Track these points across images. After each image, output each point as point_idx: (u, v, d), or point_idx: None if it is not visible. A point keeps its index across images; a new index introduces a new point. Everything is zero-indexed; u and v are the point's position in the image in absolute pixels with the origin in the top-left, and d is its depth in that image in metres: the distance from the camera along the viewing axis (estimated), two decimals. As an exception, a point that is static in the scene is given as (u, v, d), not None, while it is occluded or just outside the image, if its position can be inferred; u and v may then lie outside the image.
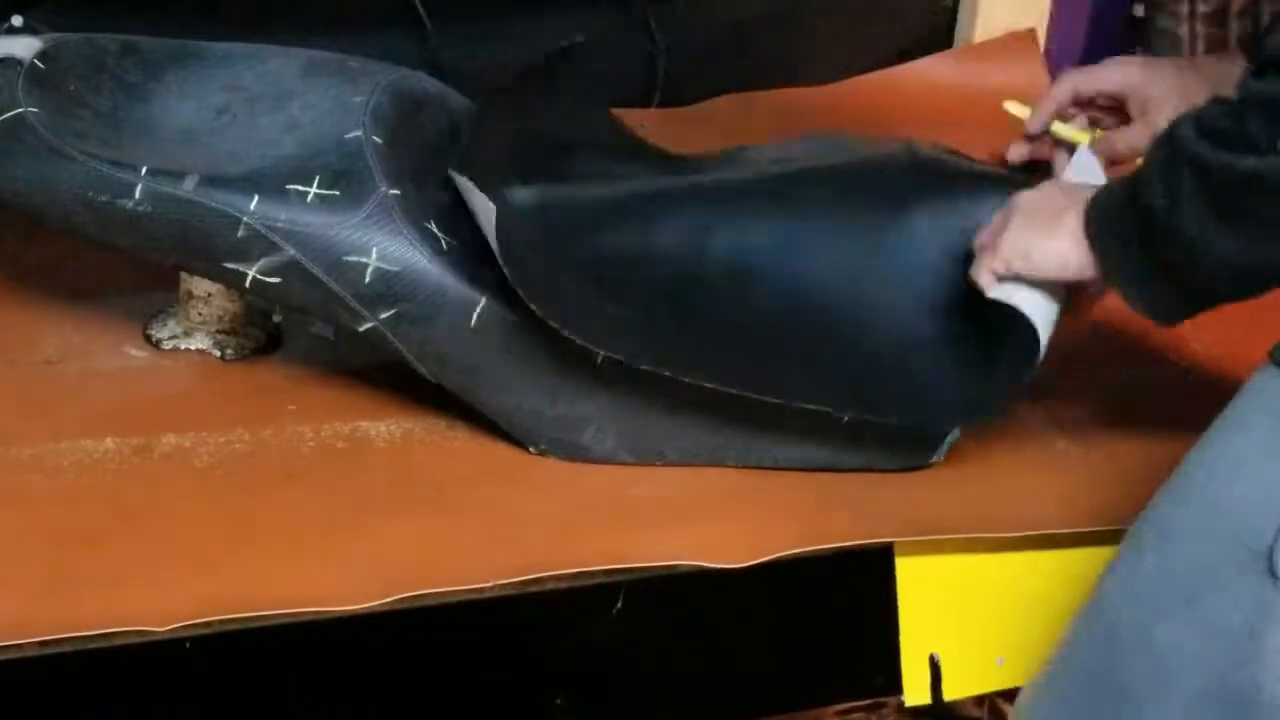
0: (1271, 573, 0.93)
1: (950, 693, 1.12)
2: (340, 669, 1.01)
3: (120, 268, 1.21)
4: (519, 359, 1.10)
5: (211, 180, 1.08)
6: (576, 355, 1.08)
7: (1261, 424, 0.95)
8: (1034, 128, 1.34)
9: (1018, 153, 1.36)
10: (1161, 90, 1.25)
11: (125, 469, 1.08)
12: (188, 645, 0.94)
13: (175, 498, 1.06)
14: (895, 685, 1.11)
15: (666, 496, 1.11)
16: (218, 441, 1.11)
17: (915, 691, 1.11)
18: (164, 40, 1.19)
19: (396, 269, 1.08)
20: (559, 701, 1.06)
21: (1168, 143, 0.96)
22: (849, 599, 1.12)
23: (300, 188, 1.09)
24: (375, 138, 1.11)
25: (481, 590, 1.00)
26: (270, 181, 1.09)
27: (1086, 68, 1.33)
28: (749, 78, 1.69)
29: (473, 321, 1.09)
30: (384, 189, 1.09)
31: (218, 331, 1.23)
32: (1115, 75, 1.30)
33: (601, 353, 1.07)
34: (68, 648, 0.92)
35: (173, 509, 1.04)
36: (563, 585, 1.02)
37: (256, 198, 1.08)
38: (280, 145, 1.11)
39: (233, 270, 1.10)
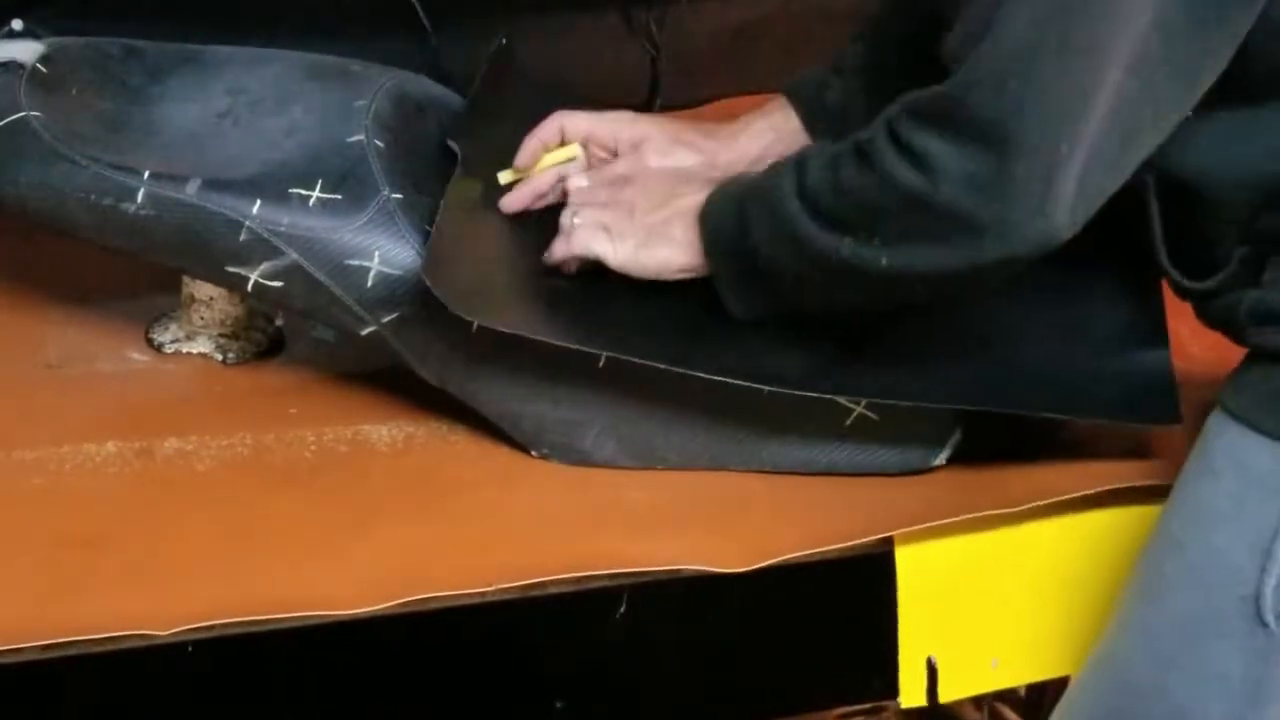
0: (1260, 619, 0.96)
1: (946, 695, 1.12)
2: (342, 673, 1.01)
3: (122, 271, 1.21)
4: (520, 363, 1.10)
5: (214, 184, 1.09)
6: (578, 359, 1.08)
7: (1228, 473, 1.00)
8: (521, 161, 1.19)
9: (512, 203, 1.19)
10: (653, 133, 1.21)
11: (127, 473, 1.08)
12: (190, 649, 0.94)
13: (177, 501, 1.06)
14: (894, 689, 1.11)
15: (668, 500, 1.11)
16: (220, 445, 1.11)
17: (911, 694, 1.11)
18: (166, 44, 1.20)
19: (399, 272, 1.08)
20: (559, 705, 1.06)
21: (771, 194, 1.04)
22: (849, 604, 1.12)
23: (302, 191, 1.09)
24: (377, 141, 1.12)
25: (483, 594, 1.00)
26: (272, 185, 1.09)
27: (579, 112, 1.22)
28: (750, 81, 1.69)
29: (474, 325, 1.09)
30: (386, 192, 1.10)
31: (219, 335, 1.23)
32: (607, 126, 1.22)
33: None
34: (70, 651, 0.92)
35: (175, 513, 1.04)
36: (564, 589, 1.02)
37: (259, 201, 1.08)
38: (282, 149, 1.12)
39: (235, 274, 1.10)
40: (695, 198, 1.11)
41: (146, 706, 0.97)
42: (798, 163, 1.05)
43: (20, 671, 0.92)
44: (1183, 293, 1.08)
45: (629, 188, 1.15)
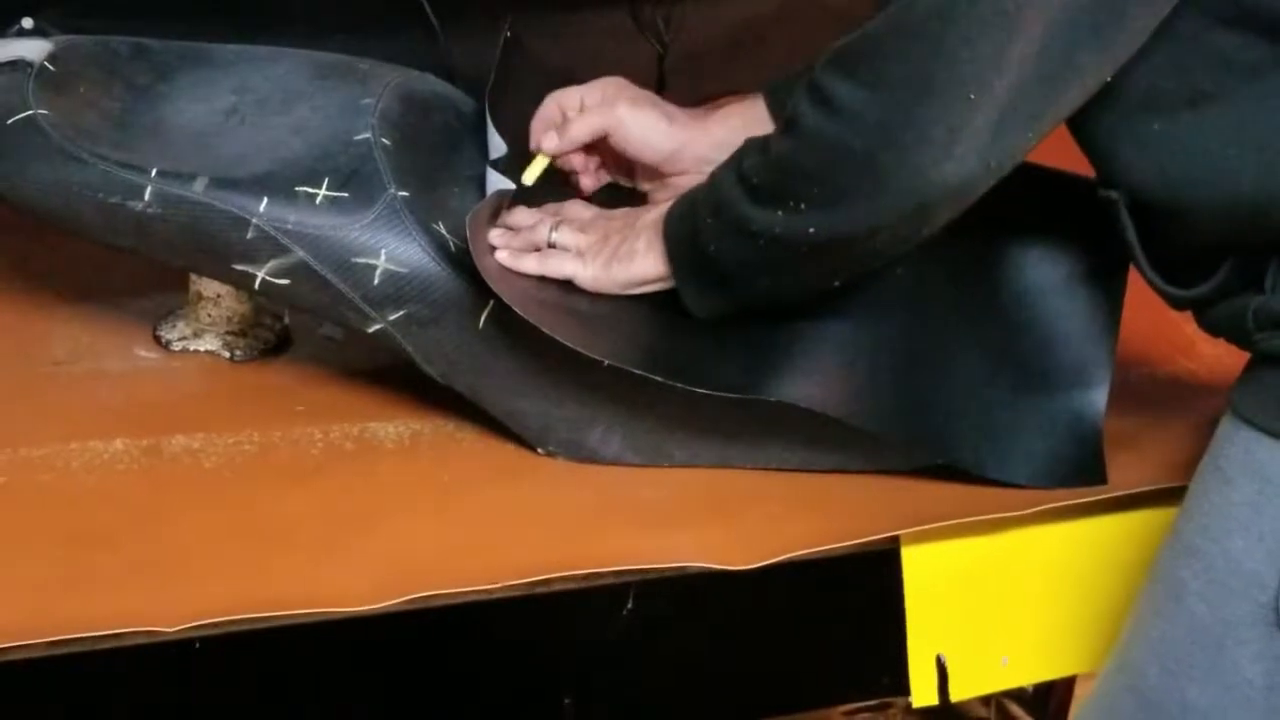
0: (1279, 625, 0.95)
1: (957, 693, 1.12)
2: (349, 670, 1.01)
3: (129, 269, 1.21)
4: (527, 360, 1.10)
5: (221, 182, 1.09)
6: (584, 357, 1.08)
7: (1242, 479, 0.99)
8: (549, 145, 1.22)
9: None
10: (630, 89, 1.24)
11: (135, 470, 1.08)
12: (197, 645, 0.94)
13: (184, 499, 1.06)
14: (901, 686, 1.11)
15: (674, 498, 1.11)
16: (227, 442, 1.12)
17: (922, 692, 1.11)
18: (174, 43, 1.20)
19: (405, 270, 1.09)
20: (567, 701, 1.06)
21: (716, 186, 1.07)
22: (855, 600, 1.12)
23: (309, 189, 1.09)
24: (384, 139, 1.12)
25: (490, 591, 1.00)
26: (279, 183, 1.09)
27: (568, 88, 1.24)
28: (756, 78, 1.69)
29: (480, 323, 1.09)
30: (393, 190, 1.10)
31: (227, 333, 1.23)
32: (596, 91, 1.23)
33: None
34: (78, 648, 0.92)
35: (182, 510, 1.05)
36: (570, 587, 1.02)
37: (266, 199, 1.08)
38: (289, 147, 1.12)
39: (241, 272, 1.10)
40: (659, 210, 1.13)
41: (154, 703, 0.98)
42: (740, 151, 1.07)
43: (28, 668, 0.92)
44: (1172, 301, 1.07)
45: (603, 219, 1.17)
